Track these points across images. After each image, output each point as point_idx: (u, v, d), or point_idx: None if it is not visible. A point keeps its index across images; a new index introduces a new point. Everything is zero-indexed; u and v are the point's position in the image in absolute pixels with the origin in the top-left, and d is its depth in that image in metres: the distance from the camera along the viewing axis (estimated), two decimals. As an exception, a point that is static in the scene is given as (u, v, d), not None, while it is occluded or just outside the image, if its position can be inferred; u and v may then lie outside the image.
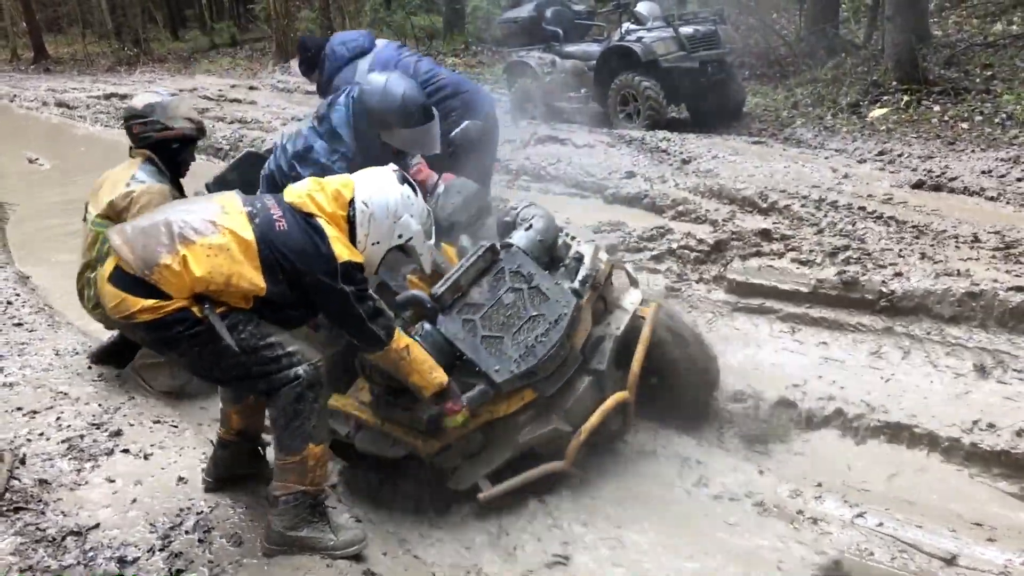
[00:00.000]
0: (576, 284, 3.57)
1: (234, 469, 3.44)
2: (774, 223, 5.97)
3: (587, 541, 3.35)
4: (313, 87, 5.34)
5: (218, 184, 4.71)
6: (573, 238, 3.92)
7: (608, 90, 10.55)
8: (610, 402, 3.53)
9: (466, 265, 3.46)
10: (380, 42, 5.04)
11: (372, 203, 3.05)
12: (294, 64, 5.04)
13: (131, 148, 4.40)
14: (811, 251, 5.28)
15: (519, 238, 3.66)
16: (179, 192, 4.36)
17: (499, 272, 3.50)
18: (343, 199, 3.05)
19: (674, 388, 3.99)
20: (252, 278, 2.86)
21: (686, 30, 10.25)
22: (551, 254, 3.74)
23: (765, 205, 6.40)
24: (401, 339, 3.07)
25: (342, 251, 2.94)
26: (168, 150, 4.33)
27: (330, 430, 3.51)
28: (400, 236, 3.11)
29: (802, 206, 6.19)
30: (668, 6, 12.00)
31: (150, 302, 2.82)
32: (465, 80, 5.19)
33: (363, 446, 3.43)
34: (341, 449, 3.68)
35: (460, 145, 4.34)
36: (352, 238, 3.04)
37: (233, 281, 2.84)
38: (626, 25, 10.66)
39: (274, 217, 2.94)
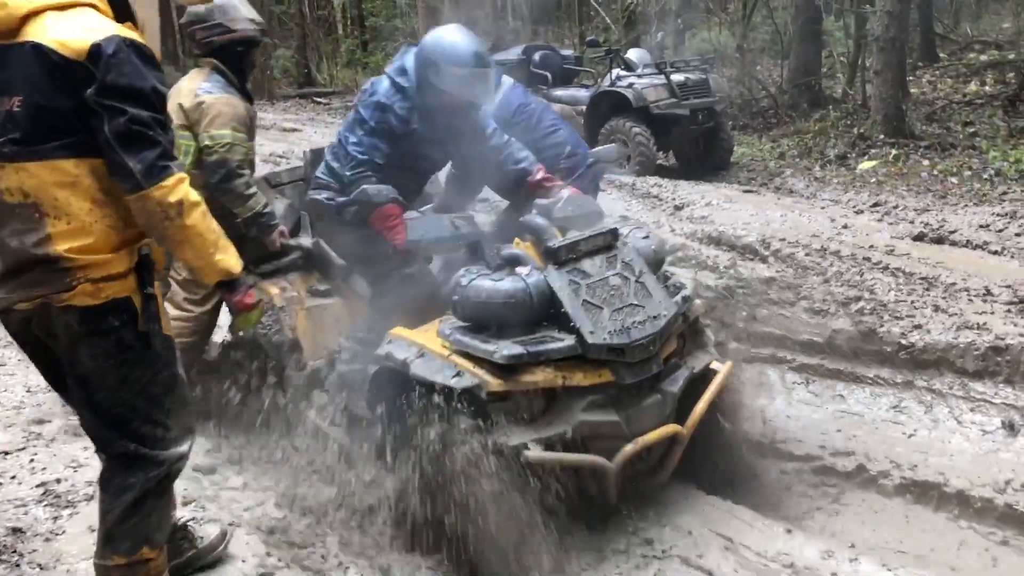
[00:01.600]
0: (679, 299, 3.54)
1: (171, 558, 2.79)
2: (779, 272, 5.84)
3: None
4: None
5: (315, 154, 4.55)
6: (673, 274, 3.93)
7: (597, 135, 10.47)
8: (669, 428, 3.40)
9: (588, 235, 3.44)
10: (507, 80, 4.94)
11: None
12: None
13: (196, 56, 4.21)
14: (823, 300, 5.15)
15: (637, 240, 3.66)
16: (248, 100, 4.19)
17: (613, 257, 3.46)
18: None
19: (710, 446, 3.79)
20: None
21: (677, 77, 10.24)
22: (656, 271, 3.69)
23: (767, 253, 6.28)
24: (177, 191, 2.28)
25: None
26: (233, 54, 4.11)
27: (385, 355, 3.39)
28: None
29: (806, 255, 6.07)
30: (656, 55, 12.03)
31: None
32: (582, 143, 5.12)
33: (419, 372, 3.22)
34: (380, 386, 3.47)
35: (601, 161, 4.47)
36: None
37: None
38: (616, 71, 10.64)
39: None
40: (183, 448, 2.52)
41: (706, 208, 7.89)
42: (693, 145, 10.65)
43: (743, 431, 3.98)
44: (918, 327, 4.64)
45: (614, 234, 3.51)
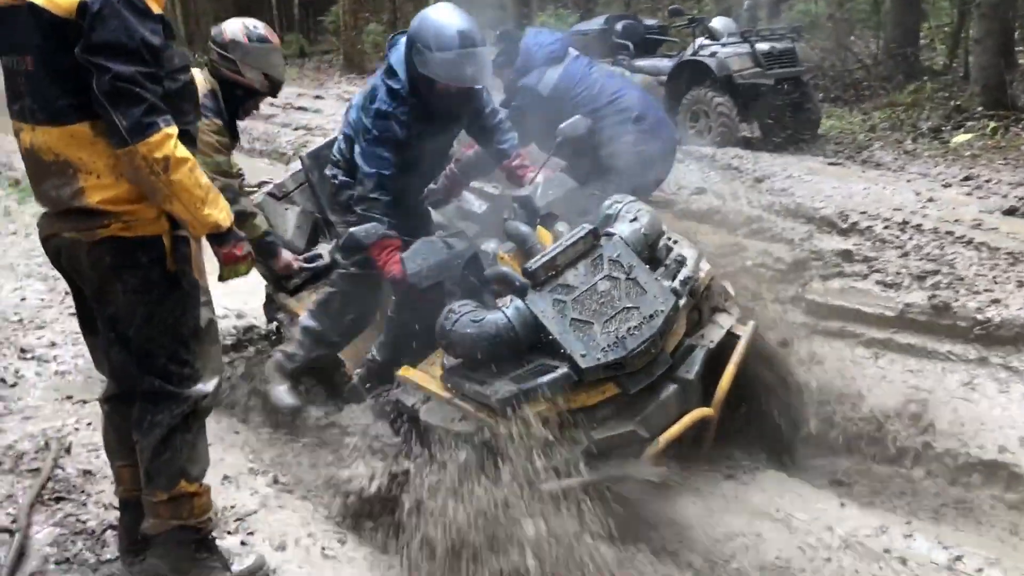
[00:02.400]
0: (676, 284, 3.35)
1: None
2: (855, 244, 5.67)
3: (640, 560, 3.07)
4: None
5: (312, 158, 4.62)
6: (676, 241, 3.70)
7: (679, 105, 10.28)
8: (694, 415, 3.26)
9: (565, 245, 3.24)
10: (572, 52, 4.85)
11: None
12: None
13: (207, 63, 4.13)
14: (897, 274, 4.97)
15: (622, 228, 3.44)
16: (231, 133, 4.09)
17: (597, 258, 3.27)
18: None
19: (757, 414, 3.71)
20: None
21: (762, 46, 9.94)
22: (652, 252, 3.53)
23: (845, 226, 6.10)
24: (163, 147, 2.30)
25: None
26: (232, 93, 4.04)
27: (396, 401, 3.36)
28: None
29: (885, 228, 5.87)
30: (742, 23, 11.72)
31: None
32: (653, 105, 4.98)
33: (428, 418, 3.21)
34: (399, 423, 3.48)
35: (567, 137, 4.00)
36: None
37: None
38: (700, 40, 10.40)
39: None
40: (208, 387, 2.61)
41: (787, 180, 7.69)
42: (778, 116, 10.32)
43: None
44: (996, 302, 4.45)
45: (594, 235, 3.32)
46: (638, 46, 11.13)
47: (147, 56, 2.27)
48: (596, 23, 11.61)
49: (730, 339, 3.50)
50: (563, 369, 3.06)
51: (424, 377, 3.33)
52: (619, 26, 11.27)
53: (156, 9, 2.36)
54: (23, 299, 5.57)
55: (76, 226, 2.39)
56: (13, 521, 3.00)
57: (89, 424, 3.80)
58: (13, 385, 4.26)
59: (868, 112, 11.36)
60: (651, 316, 3.17)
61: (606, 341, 3.09)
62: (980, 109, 9.77)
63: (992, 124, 9.32)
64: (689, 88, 10.20)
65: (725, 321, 3.60)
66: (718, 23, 10.48)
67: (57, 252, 2.51)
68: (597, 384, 3.13)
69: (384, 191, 3.60)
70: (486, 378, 3.09)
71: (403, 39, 3.65)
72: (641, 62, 11.00)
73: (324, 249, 4.55)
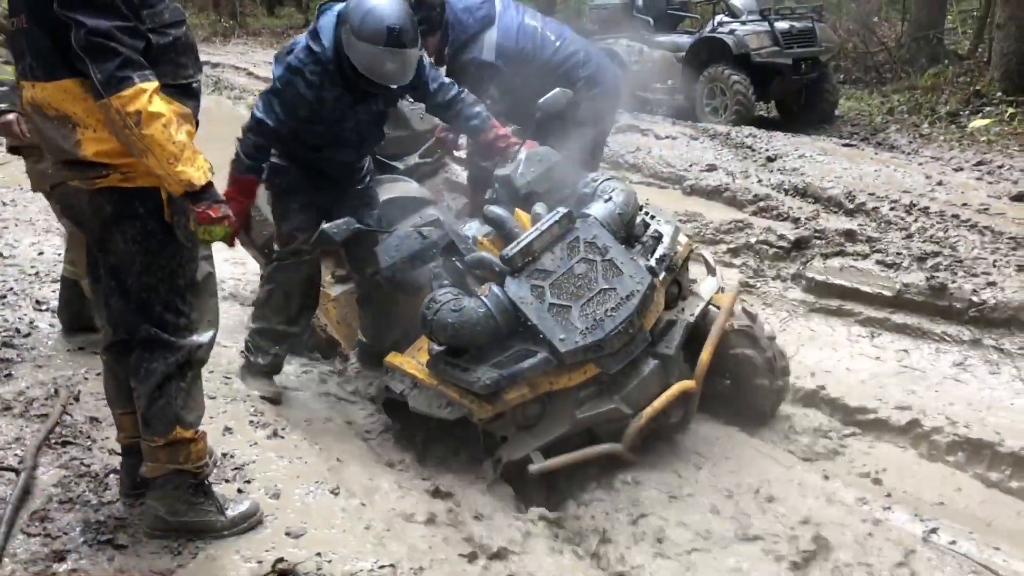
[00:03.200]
0: (652, 262, 3.40)
1: None
2: (860, 225, 5.71)
3: (628, 533, 3.16)
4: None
5: None
6: (653, 216, 3.74)
7: (696, 82, 10.28)
8: (675, 389, 3.34)
9: (541, 230, 3.30)
10: (499, 3, 4.52)
11: None
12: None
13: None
14: (898, 254, 5.02)
15: (597, 209, 3.49)
16: None
17: (573, 241, 3.34)
18: None
19: (741, 385, 3.80)
20: None
21: (782, 25, 9.93)
22: (629, 230, 3.57)
23: (851, 206, 6.13)
24: (134, 101, 2.29)
25: None
26: None
27: (384, 387, 3.44)
28: None
29: (891, 209, 5.90)
30: (764, 1, 11.65)
31: None
32: (594, 48, 4.82)
33: (416, 405, 3.32)
34: (392, 409, 3.59)
35: (547, 112, 3.94)
36: None
37: None
38: (719, 17, 10.39)
39: None
40: (203, 338, 2.71)
41: (798, 160, 7.70)
42: (796, 96, 10.33)
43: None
44: (992, 284, 4.48)
45: (569, 218, 3.36)
46: (659, 21, 11.14)
47: (124, 10, 2.29)
48: (621, -11, 11.56)
49: (711, 311, 3.58)
50: (543, 354, 3.16)
51: (411, 364, 3.42)
52: (640, 1, 11.25)
53: None
54: (40, 253, 5.69)
55: (78, 175, 2.47)
56: (20, 461, 3.11)
57: (98, 374, 3.88)
58: (27, 335, 4.38)
59: (887, 95, 11.30)
60: (628, 296, 3.24)
61: (584, 324, 3.18)
62: (1000, 95, 9.71)
63: (1011, 110, 9.26)
64: (707, 65, 10.20)
65: (706, 292, 3.66)
66: (739, 0, 10.44)
67: (62, 200, 2.61)
68: (578, 366, 3.22)
69: (260, 136, 3.56)
70: (469, 364, 3.18)
71: (337, 7, 3.55)
72: (661, 37, 11.00)
73: None
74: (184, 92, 2.50)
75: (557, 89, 3.89)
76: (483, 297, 3.21)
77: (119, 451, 2.99)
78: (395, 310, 4.07)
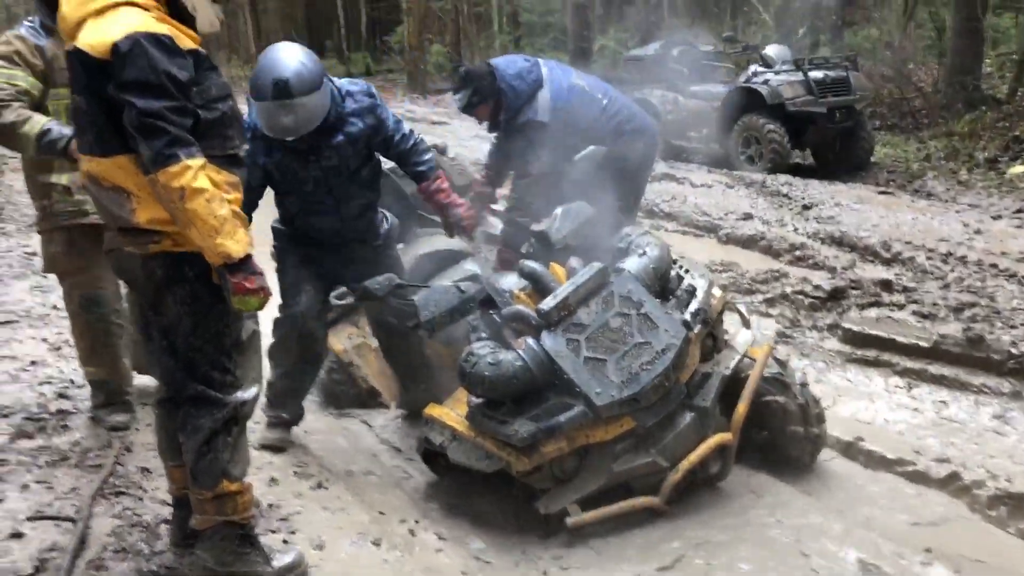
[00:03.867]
0: (687, 316, 3.47)
1: None
2: (896, 274, 5.72)
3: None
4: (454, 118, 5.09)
5: None
6: (687, 271, 3.82)
7: (731, 131, 10.39)
8: (712, 442, 3.39)
9: (576, 284, 3.39)
10: (544, 66, 4.69)
11: None
12: (454, 97, 4.64)
13: None
14: (934, 305, 5.02)
15: (632, 264, 3.58)
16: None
17: (608, 295, 3.41)
18: None
19: (777, 437, 3.83)
20: None
21: (816, 74, 10.03)
22: (663, 284, 3.65)
23: (888, 255, 6.15)
24: (181, 178, 2.44)
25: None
26: None
27: (424, 439, 3.52)
28: None
29: (928, 259, 5.91)
30: (798, 50, 11.77)
31: None
32: (633, 103, 5.01)
33: (455, 457, 3.38)
34: (432, 459, 3.66)
35: (584, 169, 4.10)
36: None
37: None
38: (753, 67, 10.53)
39: None
40: (247, 395, 2.82)
41: (835, 208, 7.74)
42: (831, 144, 10.40)
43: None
44: (1031, 336, 4.48)
45: (604, 272, 3.45)
46: (693, 71, 11.28)
47: (174, 91, 2.45)
48: (652, 48, 11.80)
49: (746, 363, 3.63)
50: (579, 407, 3.22)
51: (450, 415, 3.49)
52: (675, 51, 11.46)
53: (188, 45, 2.54)
54: (92, 306, 5.89)
55: (132, 241, 2.62)
56: (77, 511, 3.24)
57: (148, 425, 4.03)
58: (81, 387, 4.54)
59: (924, 141, 11.31)
60: (663, 350, 3.31)
61: (620, 377, 3.24)
62: (1039, 141, 9.70)
63: (1050, 156, 9.25)
64: (742, 114, 10.31)
65: (741, 344, 3.71)
66: (772, 51, 10.60)
67: (117, 264, 2.77)
68: (614, 419, 3.27)
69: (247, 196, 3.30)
70: (507, 417, 3.25)
71: None
72: (695, 87, 11.15)
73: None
74: (231, 162, 2.65)
75: (591, 147, 4.02)
76: (520, 350, 3.28)
77: (170, 502, 3.09)
78: (417, 360, 4.19)
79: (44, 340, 5.25)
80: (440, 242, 4.71)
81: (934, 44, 14.11)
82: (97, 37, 2.43)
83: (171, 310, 2.67)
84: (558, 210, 3.82)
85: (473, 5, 27.30)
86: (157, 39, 2.44)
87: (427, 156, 3.95)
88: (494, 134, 4.73)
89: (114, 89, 2.43)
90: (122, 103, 2.43)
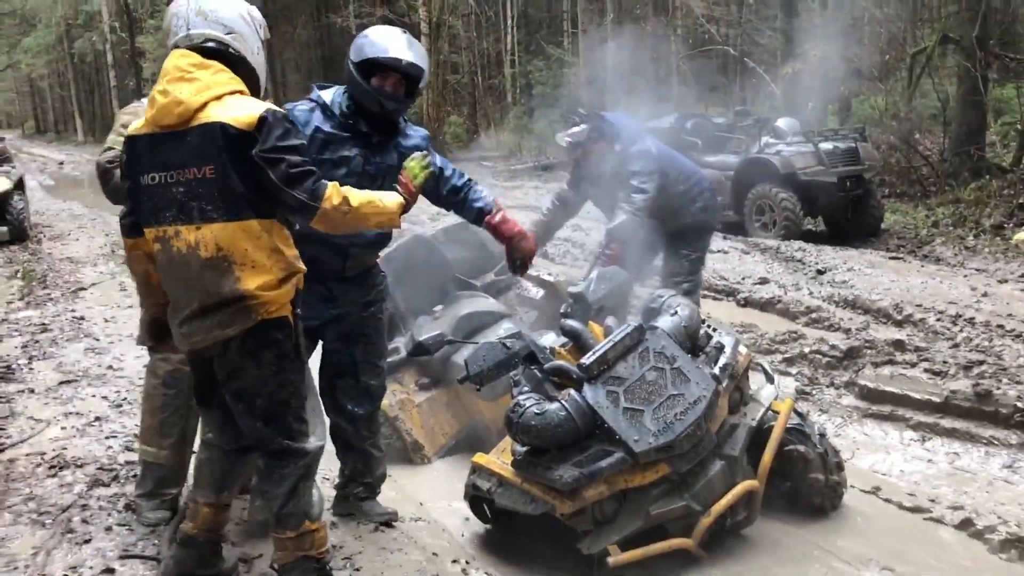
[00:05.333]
0: (716, 371, 3.77)
1: (196, 570, 3.19)
2: (908, 335, 6.02)
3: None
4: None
5: (387, 261, 5.12)
6: (715, 329, 4.14)
7: (744, 200, 10.78)
8: (740, 488, 3.67)
9: (614, 340, 3.68)
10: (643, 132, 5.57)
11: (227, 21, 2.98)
12: (568, 132, 5.44)
13: None
14: (944, 363, 5.31)
15: (664, 322, 3.88)
16: None
17: (644, 351, 3.70)
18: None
19: (800, 485, 4.10)
20: None
21: (826, 146, 10.44)
22: (693, 341, 3.95)
23: (900, 317, 6.45)
24: (335, 195, 2.89)
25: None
26: None
27: (472, 485, 3.78)
28: (261, 27, 3.12)
29: (937, 320, 6.21)
30: (807, 124, 12.23)
31: None
32: (706, 178, 5.79)
33: (502, 501, 3.63)
34: (479, 508, 3.91)
35: (622, 240, 4.70)
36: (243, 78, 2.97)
37: None
38: (765, 138, 10.95)
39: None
40: (321, 441, 3.17)
41: (847, 273, 8.06)
42: (842, 212, 10.77)
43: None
44: (1036, 391, 4.75)
45: (640, 330, 3.74)
46: (706, 143, 11.73)
47: (303, 151, 2.90)
48: (666, 120, 12.25)
49: (770, 416, 3.93)
50: (619, 453, 3.48)
51: (496, 463, 3.76)
52: (688, 123, 11.91)
53: None
54: (145, 366, 6.22)
55: (231, 329, 2.88)
56: (158, 552, 3.54)
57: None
58: (144, 442, 4.86)
59: (932, 208, 11.67)
60: (695, 401, 3.61)
61: (656, 426, 3.52)
62: (1043, 207, 10.03)
63: (1054, 222, 9.58)
64: (754, 184, 10.70)
65: (765, 398, 4.02)
66: (783, 123, 11.04)
67: (206, 351, 3.00)
68: (651, 465, 3.54)
69: None
70: (552, 463, 3.51)
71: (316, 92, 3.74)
72: (709, 158, 11.58)
73: (400, 342, 5.10)
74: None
75: (625, 218, 4.46)
76: (563, 401, 3.54)
77: (178, 540, 3.24)
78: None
79: (104, 398, 5.58)
80: (480, 304, 5.07)
81: (939, 114, 14.56)
82: (239, 113, 2.82)
83: (253, 373, 2.93)
84: (593, 273, 4.17)
85: (488, 78, 28.19)
86: (283, 114, 2.90)
87: (484, 192, 3.90)
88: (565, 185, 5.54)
89: (261, 153, 2.80)
90: (265, 163, 2.80)
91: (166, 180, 2.88)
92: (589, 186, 5.60)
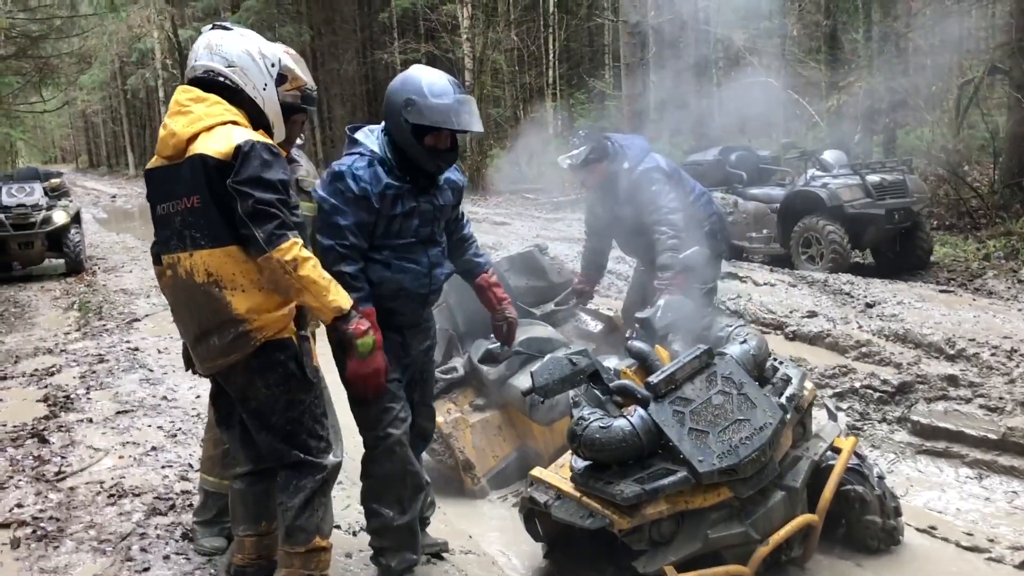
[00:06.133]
0: (783, 400, 3.77)
1: None
2: (961, 370, 5.91)
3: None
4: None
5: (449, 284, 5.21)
6: (781, 363, 4.14)
7: (791, 232, 10.73)
8: (799, 520, 3.64)
9: (683, 362, 3.70)
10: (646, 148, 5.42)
11: (231, 57, 3.08)
12: (569, 155, 5.44)
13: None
14: (1000, 399, 5.22)
15: (733, 350, 3.90)
16: None
17: (712, 375, 3.71)
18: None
19: (854, 527, 4.08)
20: None
21: (873, 178, 10.37)
22: (760, 371, 3.95)
23: (952, 352, 6.34)
24: (289, 252, 2.87)
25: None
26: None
27: (529, 498, 3.77)
28: (272, 65, 3.17)
29: (992, 355, 6.10)
30: (854, 155, 12.16)
31: None
32: (716, 205, 5.76)
33: (559, 515, 3.61)
34: (532, 524, 3.90)
35: (686, 268, 4.69)
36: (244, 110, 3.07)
37: None
38: (811, 171, 10.90)
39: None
40: (338, 458, 3.21)
41: (897, 307, 7.95)
42: (890, 244, 10.65)
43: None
44: (1096, 428, 4.65)
45: (709, 354, 3.75)
46: (751, 175, 11.71)
47: (280, 187, 2.93)
48: (711, 153, 12.27)
49: (830, 454, 3.90)
50: (682, 473, 3.47)
51: (554, 477, 3.77)
52: (733, 156, 11.91)
53: (283, 154, 3.04)
54: (198, 396, 6.36)
55: (233, 356, 3.00)
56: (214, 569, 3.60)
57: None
58: (199, 469, 4.94)
59: (983, 240, 11.50)
60: (761, 428, 3.60)
61: (721, 449, 3.51)
62: (1097, 239, 9.84)
63: (1109, 254, 9.39)
64: (801, 216, 10.65)
65: (828, 435, 4.00)
66: (829, 156, 10.98)
67: (219, 375, 3.14)
68: (712, 487, 3.52)
69: (349, 261, 3.40)
70: (612, 479, 3.50)
71: (367, 127, 3.64)
72: (754, 190, 11.57)
73: (458, 363, 5.18)
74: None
75: (696, 247, 4.48)
76: (629, 417, 3.54)
77: (231, 573, 3.36)
78: None
79: (160, 427, 5.70)
80: (539, 331, 5.13)
81: (988, 145, 14.38)
82: (221, 143, 2.92)
83: (263, 393, 3.05)
84: (660, 301, 4.20)
85: (530, 112, 28.40)
86: (267, 146, 2.96)
87: (482, 252, 4.00)
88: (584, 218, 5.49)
89: (233, 183, 2.88)
90: (237, 194, 2.88)
91: (169, 210, 3.05)
92: (601, 211, 5.59)
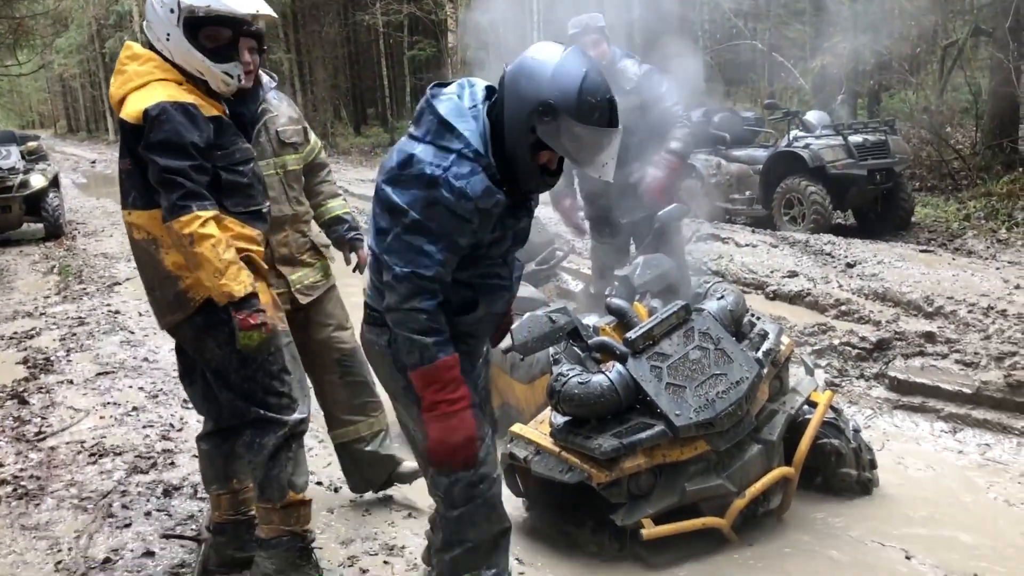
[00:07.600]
0: (759, 355, 3.80)
1: (235, 554, 3.33)
2: (939, 327, 5.97)
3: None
4: None
5: None
6: (758, 318, 4.18)
7: (773, 193, 10.75)
8: (776, 473, 3.71)
9: (660, 318, 3.72)
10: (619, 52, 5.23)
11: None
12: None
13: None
14: (976, 354, 5.28)
15: (711, 305, 3.93)
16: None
17: (689, 330, 3.75)
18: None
19: (830, 480, 4.15)
20: None
21: (855, 138, 10.38)
22: (738, 327, 3.99)
23: (930, 309, 6.40)
24: (189, 225, 2.77)
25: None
26: None
27: (509, 454, 3.81)
28: (172, 11, 2.89)
29: (969, 312, 6.15)
30: (837, 116, 12.16)
31: None
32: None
33: (538, 469, 3.66)
34: (513, 479, 3.92)
35: (665, 223, 4.58)
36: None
37: None
38: (794, 132, 10.90)
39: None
40: (303, 414, 3.16)
41: (877, 266, 7.99)
42: (872, 205, 10.69)
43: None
44: (1069, 382, 4.72)
45: (686, 309, 3.78)
46: (735, 137, 11.70)
47: (193, 152, 2.83)
48: (695, 115, 12.17)
49: (806, 407, 3.95)
50: (660, 427, 3.52)
51: (534, 433, 3.82)
52: (717, 118, 11.88)
53: (211, 112, 2.94)
54: (179, 358, 6.35)
55: (176, 315, 2.99)
56: (198, 533, 3.62)
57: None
58: (179, 429, 4.96)
59: (964, 201, 11.56)
60: (737, 382, 3.64)
61: (697, 403, 3.56)
62: (1077, 199, 9.92)
63: (1088, 214, 9.47)
64: (784, 177, 10.66)
65: (805, 389, 4.04)
66: (812, 116, 10.98)
67: (173, 333, 3.15)
68: (690, 441, 3.58)
69: (428, 297, 2.51)
70: (591, 434, 3.55)
71: (451, 88, 2.61)
72: (738, 152, 11.56)
73: None
74: (255, 217, 3.07)
75: (676, 204, 4.46)
76: (607, 373, 3.58)
77: (212, 529, 3.38)
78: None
79: (141, 388, 5.71)
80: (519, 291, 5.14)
81: (971, 107, 14.40)
82: (134, 106, 2.87)
83: (216, 352, 3.02)
84: (639, 259, 4.21)
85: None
86: (183, 107, 2.86)
87: None
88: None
89: (142, 149, 2.85)
90: (149, 161, 2.84)
91: (120, 169, 3.05)
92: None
